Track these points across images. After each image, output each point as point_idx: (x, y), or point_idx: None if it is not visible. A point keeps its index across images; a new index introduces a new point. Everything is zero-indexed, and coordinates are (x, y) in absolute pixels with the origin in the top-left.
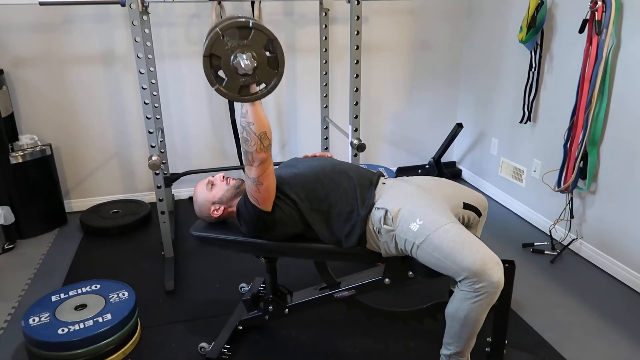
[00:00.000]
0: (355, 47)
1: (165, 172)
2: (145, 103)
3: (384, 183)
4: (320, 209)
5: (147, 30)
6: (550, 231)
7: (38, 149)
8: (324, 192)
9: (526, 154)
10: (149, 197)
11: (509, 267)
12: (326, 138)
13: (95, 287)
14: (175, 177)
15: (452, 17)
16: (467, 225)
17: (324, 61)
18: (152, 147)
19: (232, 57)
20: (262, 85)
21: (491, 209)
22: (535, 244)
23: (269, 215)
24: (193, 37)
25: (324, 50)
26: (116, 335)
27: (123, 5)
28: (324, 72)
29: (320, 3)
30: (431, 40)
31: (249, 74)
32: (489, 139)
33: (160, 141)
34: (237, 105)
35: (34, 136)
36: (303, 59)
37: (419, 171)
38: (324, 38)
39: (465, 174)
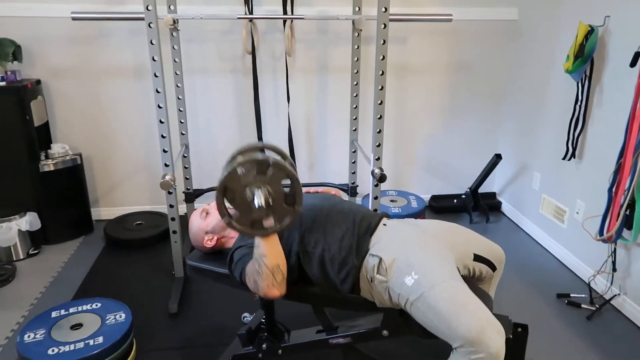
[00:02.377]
0: (381, 72)
1: (188, 187)
2: (160, 122)
3: (385, 225)
4: (313, 253)
5: (176, 47)
6: (589, 282)
7: (68, 158)
8: (318, 235)
9: (570, 193)
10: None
11: (521, 333)
12: (354, 162)
13: (96, 305)
14: (198, 193)
15: (498, 39)
16: (479, 279)
17: (355, 83)
18: (166, 165)
19: (247, 191)
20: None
21: (528, 248)
22: (571, 295)
23: None
24: (224, 54)
25: (355, 71)
26: None
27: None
28: (354, 94)
29: (353, 23)
30: (473, 62)
31: (264, 210)
32: (531, 172)
33: (184, 157)
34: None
35: (65, 145)
36: (336, 79)
37: (454, 201)
38: (355, 59)
39: (505, 207)
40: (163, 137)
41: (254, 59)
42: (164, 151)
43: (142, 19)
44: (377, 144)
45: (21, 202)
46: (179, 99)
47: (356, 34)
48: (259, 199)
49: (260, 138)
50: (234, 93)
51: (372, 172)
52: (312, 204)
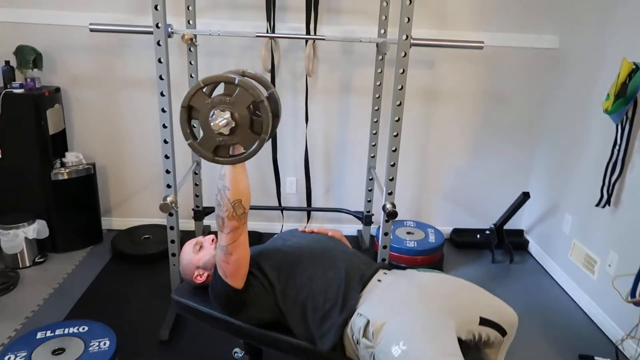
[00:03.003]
0: (398, 103)
1: (198, 205)
2: (165, 142)
3: (379, 280)
4: (295, 298)
5: (192, 62)
6: (617, 346)
7: (82, 167)
8: (303, 279)
9: (602, 242)
10: (186, 224)
11: None
12: (370, 190)
13: (83, 329)
14: (208, 211)
15: (535, 69)
16: (487, 344)
17: (376, 108)
18: (168, 187)
19: (210, 113)
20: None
21: (552, 296)
22: (595, 358)
23: (239, 294)
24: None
25: (377, 96)
26: None
27: (169, 36)
28: (375, 120)
29: (377, 46)
30: (507, 92)
31: (226, 134)
32: (562, 213)
33: (195, 173)
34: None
35: (80, 154)
36: (358, 102)
37: (478, 236)
38: (377, 83)
39: (532, 247)
40: (167, 157)
41: (272, 77)
42: (167, 172)
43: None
44: (391, 177)
45: (31, 209)
46: None
47: (380, 57)
48: (220, 120)
49: (275, 158)
50: None
51: (383, 207)
52: (301, 244)
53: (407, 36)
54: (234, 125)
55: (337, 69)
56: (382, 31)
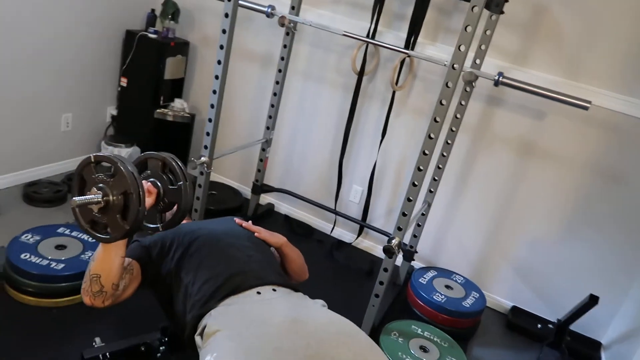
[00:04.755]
0: (430, 136)
1: (257, 180)
2: (211, 106)
3: (259, 292)
4: (182, 280)
5: (286, 45)
6: None
7: (181, 114)
8: (193, 264)
9: None
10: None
11: None
12: (419, 225)
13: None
14: (266, 188)
15: None
16: None
17: (448, 141)
18: (205, 147)
19: (92, 188)
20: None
21: None
22: None
23: None
24: (342, 68)
25: (452, 129)
26: None
27: (268, 16)
28: (443, 154)
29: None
30: (627, 172)
31: (95, 212)
32: None
33: (262, 150)
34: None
35: (185, 103)
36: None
37: (539, 325)
38: (457, 116)
39: None
40: (210, 120)
41: (359, 81)
42: (207, 134)
43: (263, 12)
44: (404, 212)
45: (133, 136)
46: (274, 95)
47: (466, 88)
48: (89, 197)
49: (341, 161)
50: (339, 109)
51: (388, 240)
52: (216, 232)
53: (456, 66)
54: (102, 206)
55: (431, 90)
56: (478, 61)
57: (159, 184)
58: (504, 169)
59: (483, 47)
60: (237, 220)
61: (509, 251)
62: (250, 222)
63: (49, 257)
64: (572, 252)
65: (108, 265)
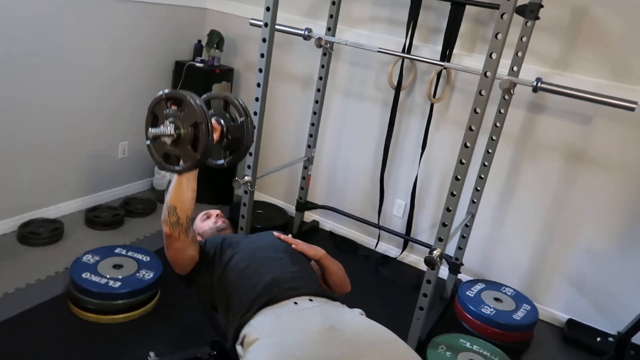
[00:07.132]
0: (466, 145)
1: (301, 197)
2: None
3: (296, 303)
4: (226, 288)
5: (324, 66)
6: None
7: None
8: (233, 275)
9: None
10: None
11: None
12: (464, 237)
13: (145, 258)
14: (310, 206)
15: None
16: None
17: (489, 151)
18: (248, 167)
19: (164, 122)
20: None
21: None
22: None
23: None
24: (381, 84)
25: (492, 138)
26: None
27: (305, 38)
28: (485, 163)
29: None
30: None
31: (168, 144)
32: None
33: (304, 168)
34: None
35: None
36: (481, 140)
37: (598, 339)
38: (496, 124)
39: None
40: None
41: (396, 95)
42: (250, 154)
43: (300, 35)
44: (444, 222)
45: None
46: (314, 113)
47: (504, 96)
48: (162, 130)
49: (382, 175)
50: (379, 124)
51: (429, 252)
52: (254, 244)
53: (488, 74)
54: (175, 138)
55: (471, 101)
56: (515, 68)
57: (222, 122)
58: (552, 177)
59: (520, 54)
60: (276, 233)
61: (562, 262)
62: (290, 235)
63: (107, 276)
64: (631, 261)
65: (182, 196)
